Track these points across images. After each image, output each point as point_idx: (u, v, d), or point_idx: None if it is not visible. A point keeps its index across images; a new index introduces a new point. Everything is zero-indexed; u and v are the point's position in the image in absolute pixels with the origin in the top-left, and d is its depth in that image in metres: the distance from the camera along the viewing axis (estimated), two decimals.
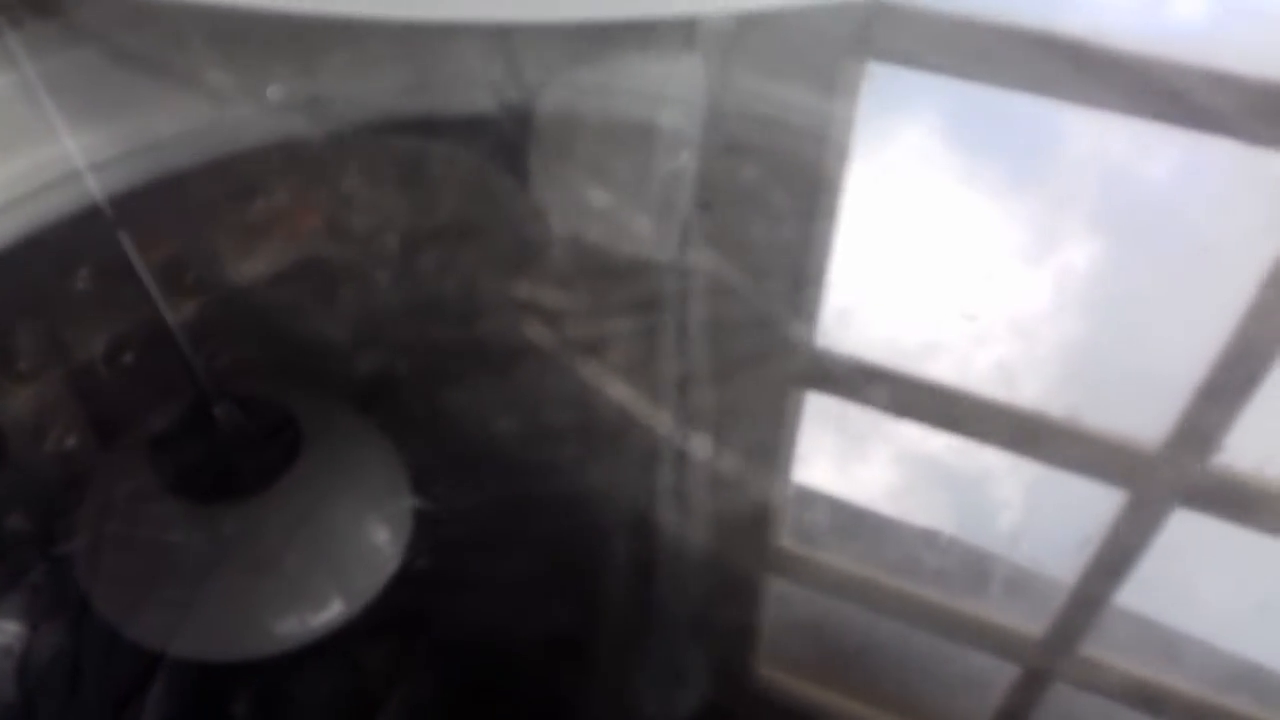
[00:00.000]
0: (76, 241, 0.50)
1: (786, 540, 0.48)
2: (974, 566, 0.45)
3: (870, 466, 0.49)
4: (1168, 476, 0.47)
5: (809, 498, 0.49)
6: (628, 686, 0.43)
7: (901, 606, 0.46)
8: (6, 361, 0.48)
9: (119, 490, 0.45)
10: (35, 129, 0.50)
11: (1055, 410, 0.47)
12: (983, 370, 0.49)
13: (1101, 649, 0.44)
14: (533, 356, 0.51)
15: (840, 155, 0.54)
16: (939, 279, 0.51)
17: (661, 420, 0.50)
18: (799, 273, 0.52)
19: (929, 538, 0.46)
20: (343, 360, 0.50)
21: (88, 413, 0.48)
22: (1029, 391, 0.48)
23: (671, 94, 0.53)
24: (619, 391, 0.50)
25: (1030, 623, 0.45)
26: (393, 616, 0.43)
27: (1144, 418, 0.46)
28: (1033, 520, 0.46)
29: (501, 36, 0.53)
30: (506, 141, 0.54)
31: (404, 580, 0.44)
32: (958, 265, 0.51)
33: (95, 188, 0.50)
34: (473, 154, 0.56)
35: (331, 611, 0.42)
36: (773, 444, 0.50)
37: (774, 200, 0.53)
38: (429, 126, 0.56)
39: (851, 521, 0.48)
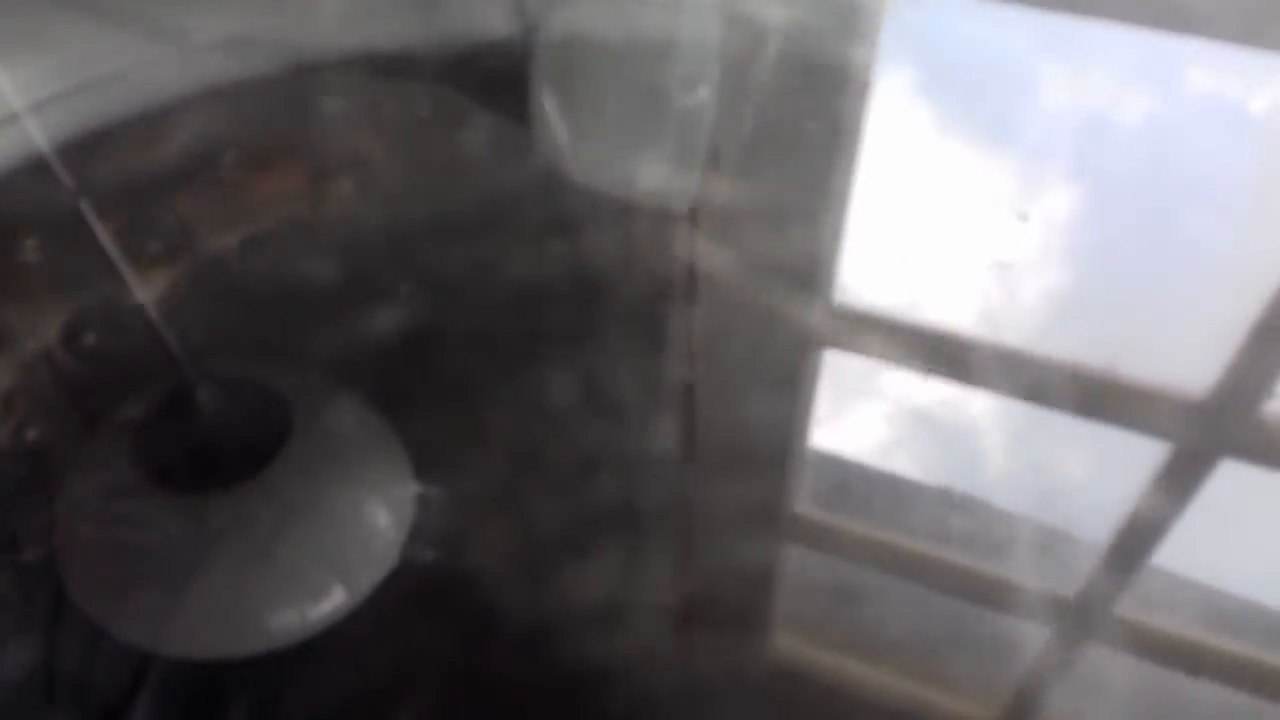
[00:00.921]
0: (18, 203, 0.47)
1: (804, 507, 0.46)
2: (1003, 529, 0.44)
3: (890, 427, 0.47)
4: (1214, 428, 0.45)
5: (827, 461, 0.48)
6: (639, 673, 0.41)
7: (925, 569, 0.45)
8: None
9: (96, 484, 0.43)
10: None
11: (1094, 361, 0.46)
12: (1016, 320, 0.47)
13: (1139, 609, 0.43)
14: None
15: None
16: (967, 225, 0.49)
17: (671, 382, 0.48)
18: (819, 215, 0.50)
19: (953, 499, 0.44)
20: (329, 332, 0.48)
21: (47, 403, 0.46)
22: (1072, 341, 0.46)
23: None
24: (628, 349, 0.48)
25: (1064, 585, 0.43)
26: (395, 609, 0.41)
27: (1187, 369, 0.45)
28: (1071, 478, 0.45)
29: None
30: (502, 76, 0.51)
31: (407, 571, 0.42)
32: (987, 211, 0.50)
33: (36, 133, 0.47)
34: (460, 92, 0.53)
35: (330, 605, 0.41)
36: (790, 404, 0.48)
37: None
38: (408, 63, 0.53)
39: (874, 487, 0.46)
